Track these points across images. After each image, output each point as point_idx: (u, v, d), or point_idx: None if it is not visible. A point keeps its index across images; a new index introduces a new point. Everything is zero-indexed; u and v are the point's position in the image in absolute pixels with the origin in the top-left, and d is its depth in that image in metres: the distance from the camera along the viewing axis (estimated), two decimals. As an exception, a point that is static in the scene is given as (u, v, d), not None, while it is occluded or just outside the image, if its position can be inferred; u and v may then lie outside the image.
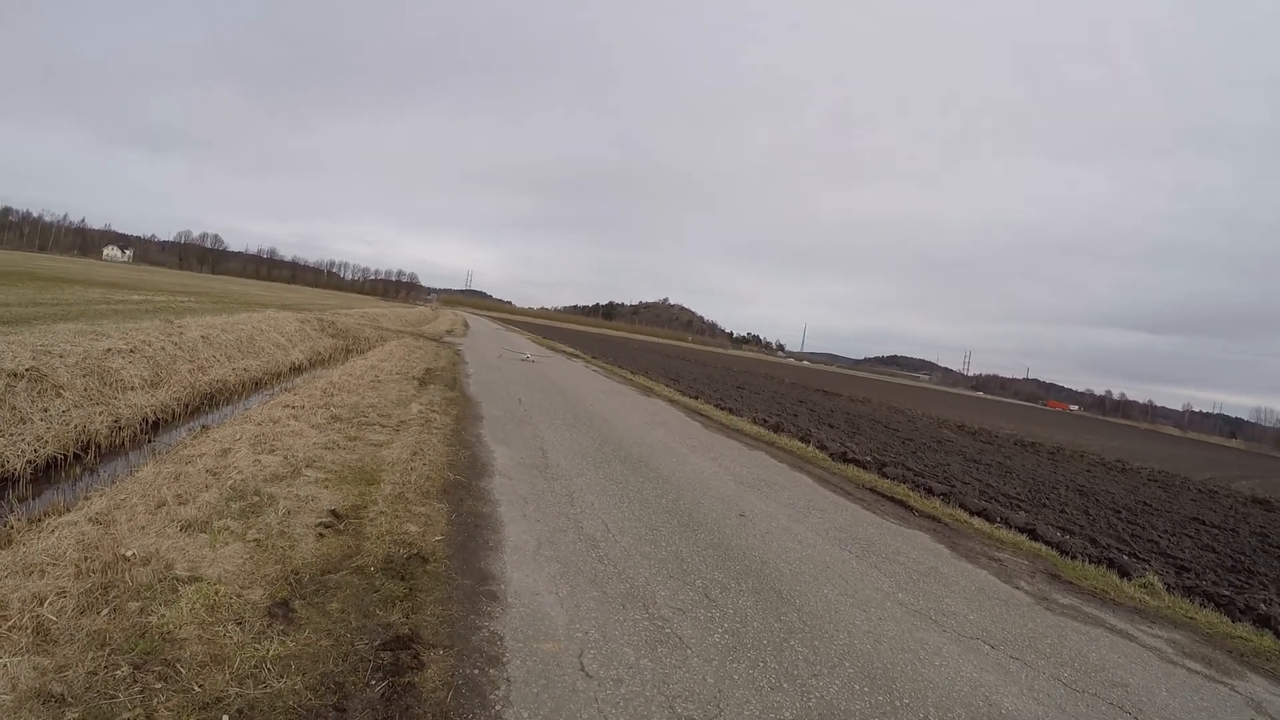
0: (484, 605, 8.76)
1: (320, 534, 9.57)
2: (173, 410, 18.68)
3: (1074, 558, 17.79)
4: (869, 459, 30.03)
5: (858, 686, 8.17)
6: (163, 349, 22.44)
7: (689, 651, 8.61)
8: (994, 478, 31.93)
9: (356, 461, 14.23)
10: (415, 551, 9.71)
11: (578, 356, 73.96)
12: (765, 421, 37.81)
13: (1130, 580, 16.10)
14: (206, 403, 21.15)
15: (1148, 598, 14.64)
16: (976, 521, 20.38)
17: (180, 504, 9.80)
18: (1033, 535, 20.06)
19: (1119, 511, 28.05)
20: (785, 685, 8.47)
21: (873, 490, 23.05)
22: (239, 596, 7.53)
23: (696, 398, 46.21)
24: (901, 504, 21.36)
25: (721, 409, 41.30)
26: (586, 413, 29.52)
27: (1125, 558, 18.68)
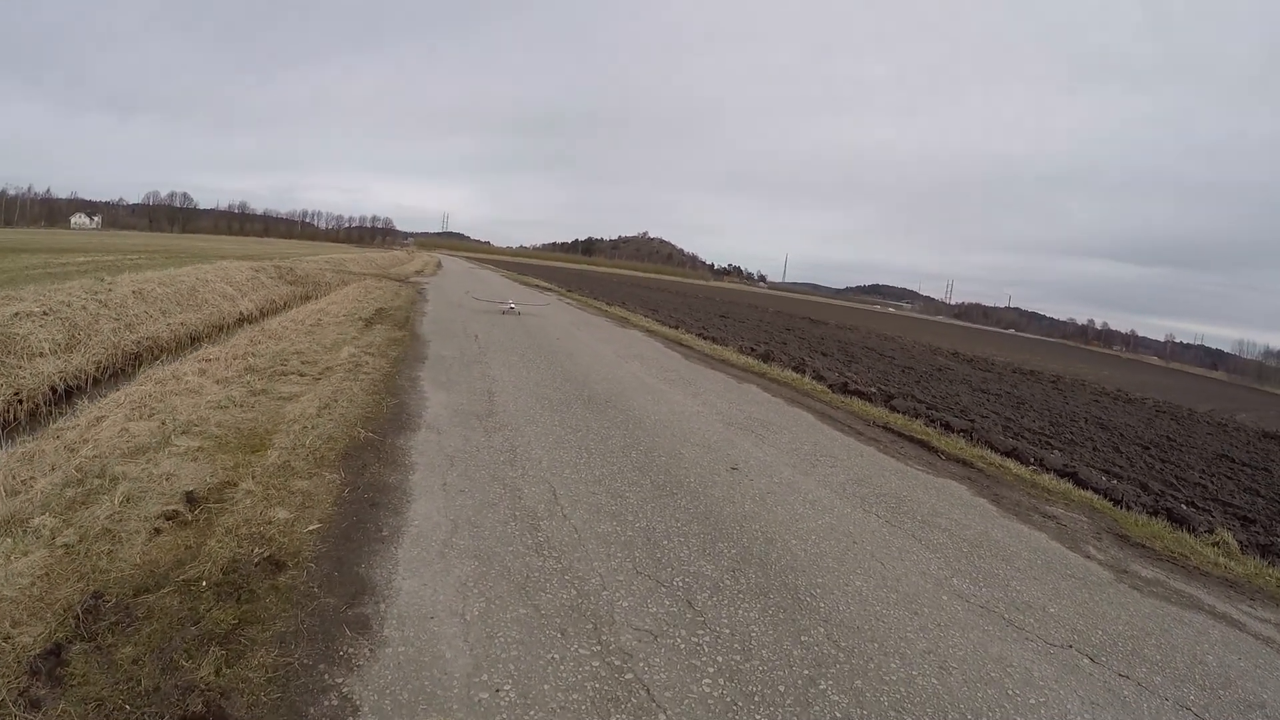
0: (344, 644, 6.17)
1: (157, 530, 7.81)
2: (89, 375, 17.37)
3: (1128, 508, 15.49)
4: (873, 390, 27.90)
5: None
6: (84, 309, 20.57)
7: (661, 721, 5.63)
8: (1009, 410, 29.61)
9: (250, 422, 12.51)
10: (271, 553, 7.49)
11: (551, 290, 71.36)
12: (753, 350, 35.38)
13: (1198, 536, 13.90)
14: (131, 364, 19.59)
15: (1229, 562, 12.36)
16: (1011, 465, 17.70)
17: (10, 495, 8.60)
18: (1076, 481, 17.54)
19: (1147, 448, 26.12)
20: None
21: (887, 428, 20.18)
22: (2, 643, 5.61)
23: (676, 327, 43.45)
24: (923, 444, 18.50)
25: (704, 338, 38.48)
26: (550, 348, 26.61)
27: (1183, 507, 16.70)
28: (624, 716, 5.72)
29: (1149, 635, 8.61)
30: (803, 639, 7.37)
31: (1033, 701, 6.77)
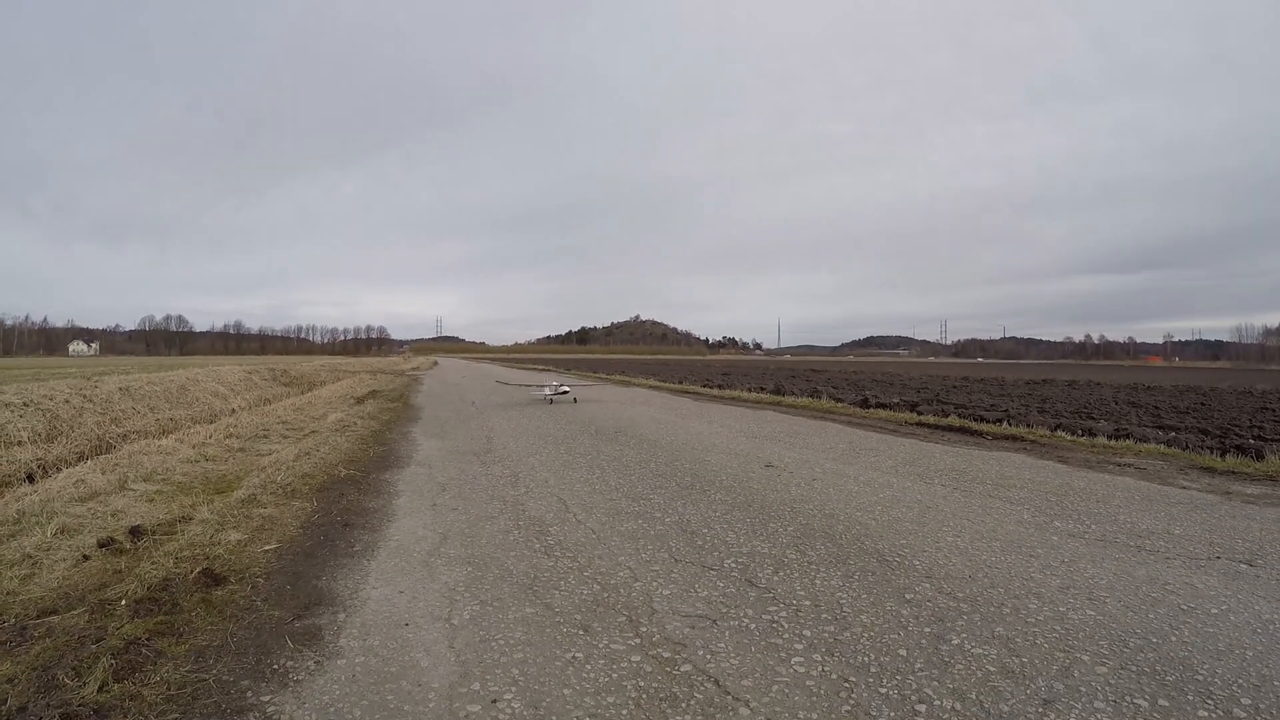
0: (282, 658, 4.85)
1: (85, 556, 7.37)
2: (68, 462, 16.25)
3: (1197, 451, 14.36)
4: (896, 400, 27.20)
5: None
6: (67, 402, 19.69)
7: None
8: (1037, 404, 28.08)
9: (221, 471, 11.90)
10: (207, 568, 6.60)
11: (550, 370, 70.56)
12: (763, 389, 34.25)
13: None
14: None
15: None
16: (1062, 435, 16.36)
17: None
18: (1134, 439, 16.22)
19: (1186, 413, 25.01)
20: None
21: (920, 424, 18.91)
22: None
23: (681, 382, 42.31)
24: (965, 431, 17.16)
25: (710, 387, 37.18)
26: (549, 406, 25.40)
27: (1251, 441, 15.79)
28: (688, 717, 3.97)
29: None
30: (908, 597, 5.71)
31: (1214, 611, 5.52)
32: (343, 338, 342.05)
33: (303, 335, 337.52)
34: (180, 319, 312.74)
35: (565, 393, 26.29)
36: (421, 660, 4.67)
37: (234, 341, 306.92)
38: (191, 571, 6.53)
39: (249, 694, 4.32)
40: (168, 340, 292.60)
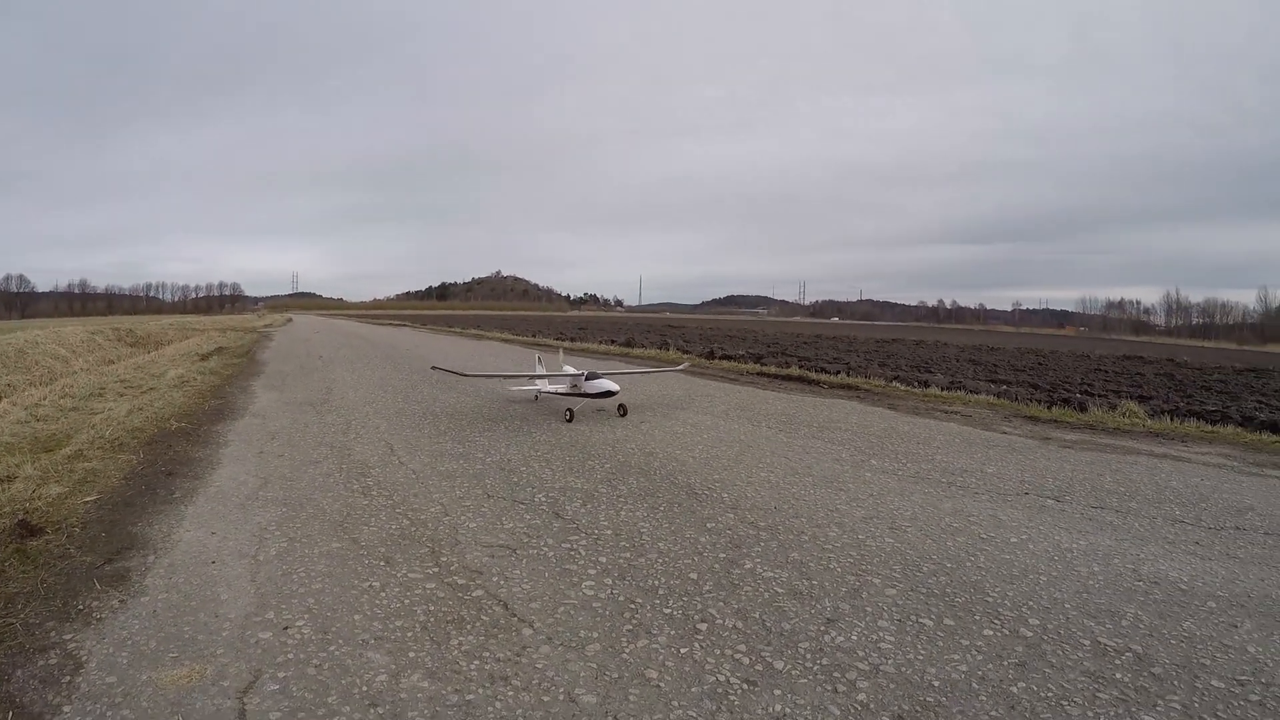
0: (89, 599, 4.87)
1: None
2: None
3: (1025, 402, 15.37)
4: (742, 353, 28.03)
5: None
6: None
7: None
8: (880, 359, 29.29)
9: (51, 430, 11.20)
10: (24, 520, 6.45)
11: (406, 325, 68.76)
12: (614, 341, 35.16)
13: (1103, 411, 13.97)
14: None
15: (1146, 421, 13.00)
16: (897, 386, 17.28)
17: None
18: (966, 390, 17.32)
19: (1022, 370, 26.67)
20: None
21: (761, 374, 19.58)
22: None
23: (534, 336, 42.38)
24: (802, 380, 17.89)
25: (564, 340, 37.29)
26: (400, 357, 25.19)
27: (1079, 395, 17.30)
28: (471, 638, 4.15)
29: (1101, 477, 8.49)
30: (709, 526, 6.05)
31: (1014, 540, 5.98)
32: (195, 296, 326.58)
33: (153, 294, 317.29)
34: (21, 279, 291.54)
35: (607, 393, 12.27)
36: (223, 594, 4.73)
37: (79, 302, 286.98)
38: (8, 525, 6.44)
39: (53, 633, 4.35)
40: (7, 302, 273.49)
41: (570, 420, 11.56)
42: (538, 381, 13.69)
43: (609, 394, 12.07)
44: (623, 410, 12.35)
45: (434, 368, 12.99)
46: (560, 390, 12.92)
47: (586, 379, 12.33)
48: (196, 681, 3.74)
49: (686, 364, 14.06)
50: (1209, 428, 12.87)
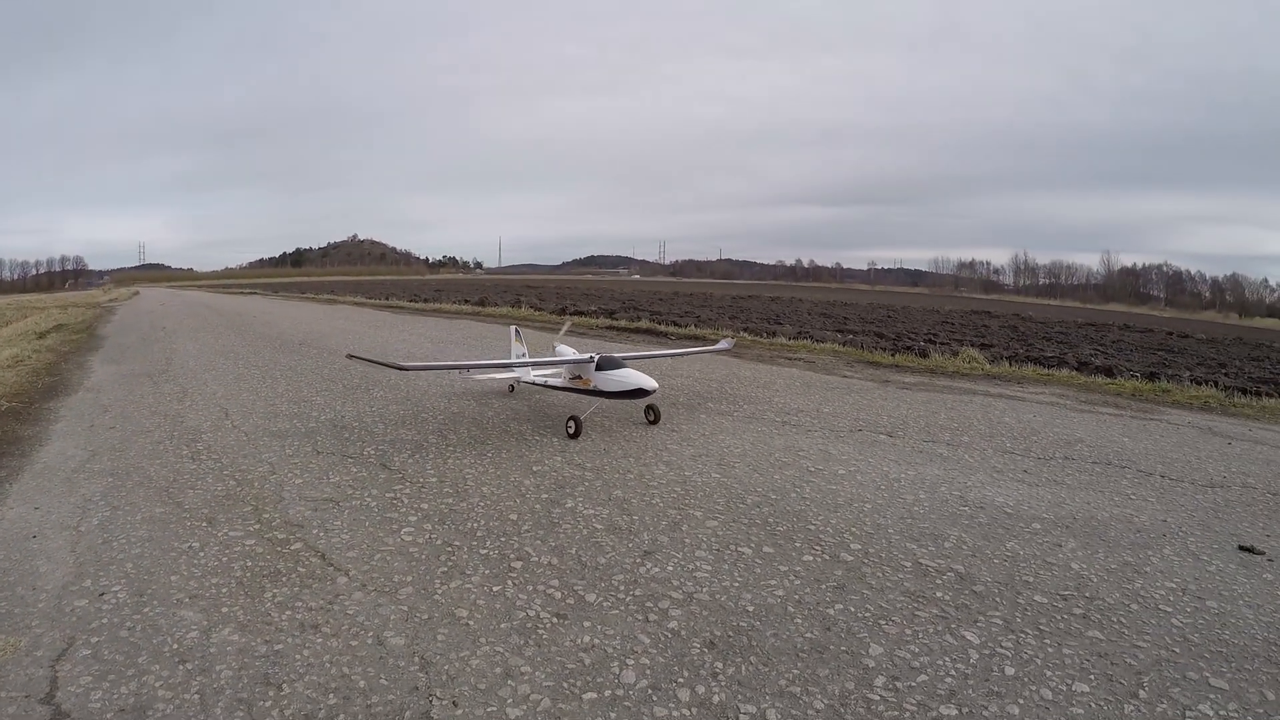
0: None
1: None
2: None
3: (870, 350, 16.12)
4: (595, 309, 28.62)
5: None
6: None
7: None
8: (732, 314, 30.24)
9: None
10: None
11: (256, 293, 66.30)
12: (468, 301, 35.37)
13: (944, 358, 14.81)
14: None
15: (986, 366, 13.86)
16: (746, 336, 18.10)
17: None
18: (812, 339, 18.06)
19: (872, 321, 27.99)
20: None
21: (612, 327, 20.54)
22: None
23: (388, 299, 41.59)
24: (653, 333, 18.84)
25: (418, 302, 37.29)
26: (244, 325, 24.41)
27: (923, 343, 17.96)
28: (285, 589, 4.23)
29: (936, 415, 9.08)
30: (534, 469, 6.30)
31: (841, 473, 6.38)
32: (34, 272, 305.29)
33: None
34: None
35: (637, 392, 7.88)
36: (41, 567, 4.63)
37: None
38: None
39: None
40: None
41: (575, 435, 7.65)
42: (516, 370, 10.01)
43: (640, 393, 7.96)
44: (653, 415, 8.60)
45: (350, 356, 8.14)
46: (555, 383, 9.28)
47: (597, 368, 8.31)
48: (10, 654, 3.70)
49: (728, 340, 10.20)
50: (1045, 371, 13.66)
